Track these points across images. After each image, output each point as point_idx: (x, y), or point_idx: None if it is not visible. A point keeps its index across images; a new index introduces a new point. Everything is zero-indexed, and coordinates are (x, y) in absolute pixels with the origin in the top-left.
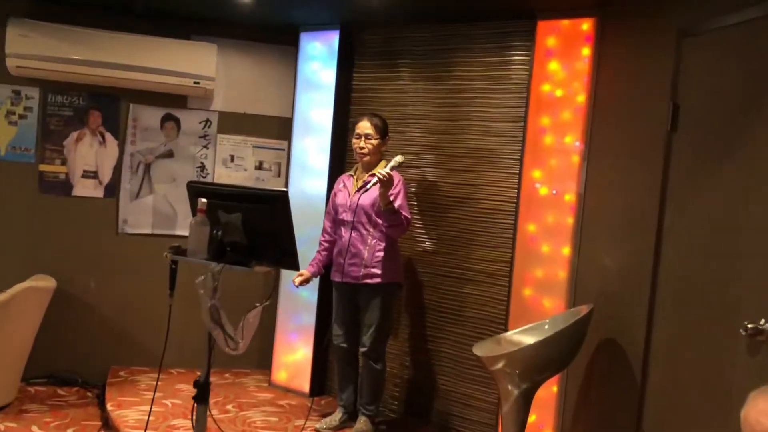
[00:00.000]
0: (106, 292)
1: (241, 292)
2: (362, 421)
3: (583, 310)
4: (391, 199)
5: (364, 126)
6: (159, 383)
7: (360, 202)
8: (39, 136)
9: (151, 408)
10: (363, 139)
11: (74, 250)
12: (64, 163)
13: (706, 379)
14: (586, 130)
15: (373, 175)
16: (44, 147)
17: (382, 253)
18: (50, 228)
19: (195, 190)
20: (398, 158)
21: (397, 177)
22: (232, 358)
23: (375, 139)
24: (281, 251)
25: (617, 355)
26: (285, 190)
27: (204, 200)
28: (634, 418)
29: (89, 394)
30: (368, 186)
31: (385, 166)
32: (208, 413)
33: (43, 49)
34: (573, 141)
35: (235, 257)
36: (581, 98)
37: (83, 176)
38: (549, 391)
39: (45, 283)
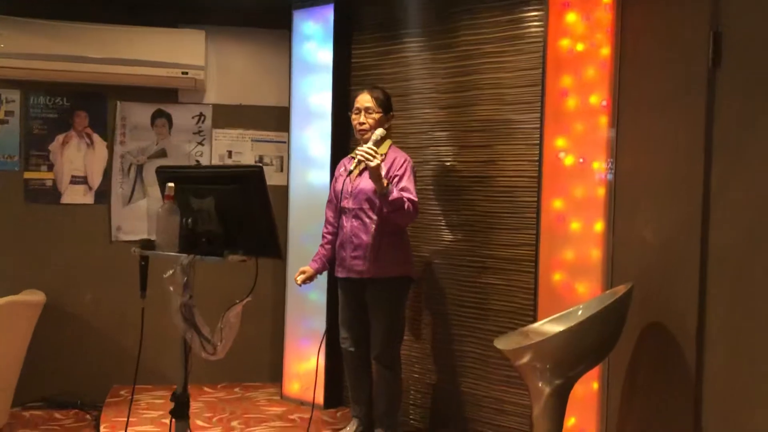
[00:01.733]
0: (102, 305)
1: (224, 289)
2: None
3: (621, 290)
4: (396, 180)
5: (364, 99)
6: (160, 401)
7: (361, 186)
8: (22, 142)
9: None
10: (363, 113)
11: (66, 262)
12: (50, 169)
13: None
14: (613, 86)
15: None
16: (28, 153)
17: (388, 244)
18: (39, 239)
19: (164, 175)
20: (378, 131)
21: (402, 156)
22: (243, 372)
23: (376, 113)
24: (260, 237)
25: (666, 341)
26: (260, 165)
27: (171, 185)
28: (692, 416)
29: (88, 416)
30: (351, 168)
31: (388, 147)
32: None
33: (20, 46)
34: (599, 101)
35: (207, 248)
36: (605, 51)
37: (72, 182)
38: (588, 388)
39: (30, 297)
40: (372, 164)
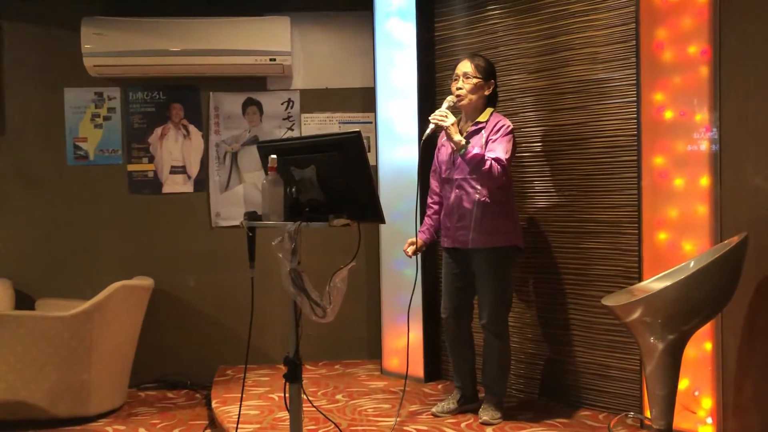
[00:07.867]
0: (206, 289)
1: (327, 262)
2: (489, 404)
3: (734, 240)
4: (492, 141)
5: (463, 66)
6: (265, 379)
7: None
8: (124, 136)
9: (241, 396)
10: (461, 79)
11: (170, 249)
12: (151, 160)
13: None
14: (713, 33)
15: (478, 123)
16: (130, 146)
17: (492, 214)
18: (144, 228)
19: (265, 150)
20: (450, 98)
21: (503, 121)
22: (342, 350)
23: (474, 78)
24: (361, 203)
25: None
26: (358, 130)
27: (274, 157)
28: None
29: (198, 395)
30: (427, 132)
31: (489, 114)
32: (302, 393)
33: (118, 44)
34: (698, 50)
35: (311, 215)
36: None
37: (171, 172)
38: (701, 349)
39: (140, 281)
40: (445, 123)
